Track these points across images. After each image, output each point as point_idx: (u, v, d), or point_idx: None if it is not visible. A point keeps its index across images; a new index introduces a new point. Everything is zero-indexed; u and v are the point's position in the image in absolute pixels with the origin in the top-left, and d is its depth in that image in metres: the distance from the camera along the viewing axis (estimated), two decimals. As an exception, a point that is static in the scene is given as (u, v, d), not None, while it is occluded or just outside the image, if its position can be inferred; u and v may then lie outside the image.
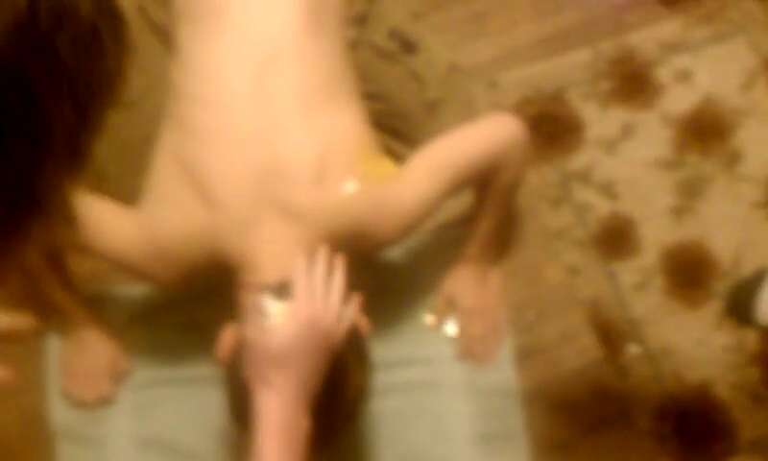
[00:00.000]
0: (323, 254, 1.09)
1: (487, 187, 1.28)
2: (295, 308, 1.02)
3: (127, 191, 1.22)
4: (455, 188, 1.20)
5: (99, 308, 1.32)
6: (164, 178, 1.15)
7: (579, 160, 1.51)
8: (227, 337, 1.06)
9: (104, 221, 1.14)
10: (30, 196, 0.49)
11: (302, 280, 1.04)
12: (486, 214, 1.31)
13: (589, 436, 1.32)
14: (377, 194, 1.14)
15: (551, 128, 1.52)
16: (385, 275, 1.37)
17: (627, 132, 1.54)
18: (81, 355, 1.28)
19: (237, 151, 1.12)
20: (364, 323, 1.09)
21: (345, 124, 1.18)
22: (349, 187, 1.13)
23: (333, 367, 1.02)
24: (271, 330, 0.99)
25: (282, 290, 1.03)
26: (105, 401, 1.28)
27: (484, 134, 1.24)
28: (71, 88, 0.49)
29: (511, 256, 1.43)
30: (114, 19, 0.53)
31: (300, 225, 1.10)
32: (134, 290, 1.33)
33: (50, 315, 1.29)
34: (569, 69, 1.57)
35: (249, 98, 1.14)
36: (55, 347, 1.31)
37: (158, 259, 1.12)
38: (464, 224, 1.37)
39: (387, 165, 1.19)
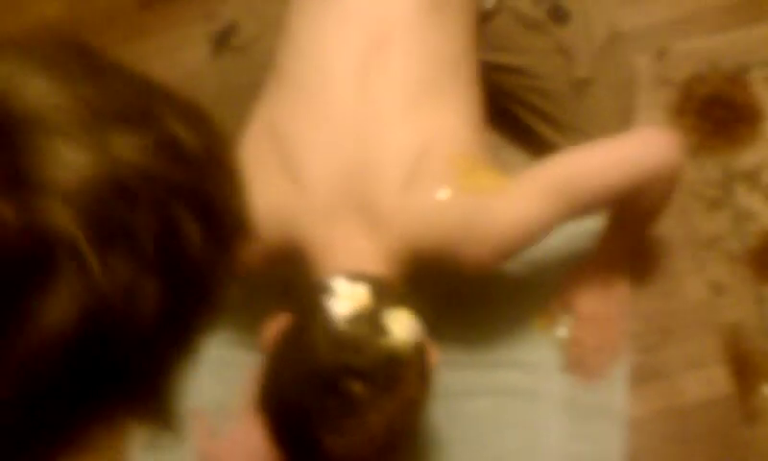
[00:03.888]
0: None
1: (622, 211, 1.19)
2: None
3: (231, 135, 1.22)
4: (575, 215, 1.10)
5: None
6: (255, 147, 1.15)
7: (749, 158, 1.36)
8: (275, 323, 1.06)
9: None
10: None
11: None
12: (620, 232, 1.22)
13: (697, 482, 1.27)
14: (473, 210, 1.07)
15: (723, 114, 1.38)
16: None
17: (816, 130, 1.38)
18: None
19: (330, 140, 1.10)
20: (434, 353, 1.05)
21: (451, 124, 1.11)
22: (441, 197, 1.07)
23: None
24: None
25: (355, 277, 1.02)
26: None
27: (628, 154, 1.11)
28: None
29: (646, 261, 1.34)
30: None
31: (381, 230, 1.07)
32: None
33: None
34: (757, 45, 1.40)
35: (350, 87, 1.10)
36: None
37: None
38: (599, 218, 1.28)
39: (493, 178, 1.11)
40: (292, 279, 1.27)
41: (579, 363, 1.29)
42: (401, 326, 0.98)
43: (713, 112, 1.38)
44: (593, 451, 1.26)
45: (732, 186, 1.36)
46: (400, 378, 0.96)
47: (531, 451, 1.26)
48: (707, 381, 1.30)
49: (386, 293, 1.01)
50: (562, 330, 1.31)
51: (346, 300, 0.98)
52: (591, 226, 1.29)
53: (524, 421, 1.27)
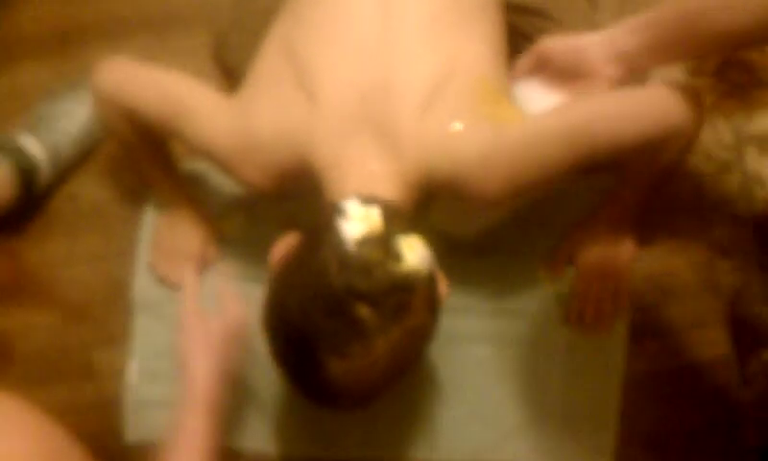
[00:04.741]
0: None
1: (635, 168, 1.19)
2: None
3: (245, 61, 1.22)
4: (586, 163, 1.08)
5: (198, 191, 1.36)
6: (271, 65, 1.15)
7: (762, 123, 1.37)
8: (284, 243, 1.05)
9: (198, 105, 1.15)
10: None
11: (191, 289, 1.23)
12: (631, 190, 1.23)
13: (688, 439, 1.28)
14: (489, 141, 1.06)
15: (739, 77, 1.38)
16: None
17: (831, 99, 1.38)
18: (171, 234, 1.33)
19: (349, 58, 1.09)
20: (444, 284, 1.04)
21: (474, 52, 1.11)
22: (459, 125, 1.07)
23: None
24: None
25: (369, 200, 1.01)
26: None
27: (645, 111, 1.09)
28: None
29: (653, 219, 1.35)
30: None
31: (395, 152, 1.07)
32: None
33: (148, 187, 1.35)
34: (780, 9, 1.40)
35: (373, 6, 1.10)
36: (150, 219, 1.36)
37: (249, 153, 1.12)
38: (609, 172, 1.28)
39: (512, 111, 1.11)
40: (298, 212, 1.29)
41: (580, 317, 1.30)
42: (413, 252, 0.97)
43: (730, 74, 1.38)
44: (589, 403, 1.28)
45: (744, 150, 1.37)
46: (409, 306, 0.95)
47: (528, 400, 1.28)
48: (705, 342, 1.32)
49: (399, 218, 1.00)
50: (565, 283, 1.32)
51: (358, 222, 0.97)
52: (600, 184, 1.31)
53: (524, 370, 1.29)
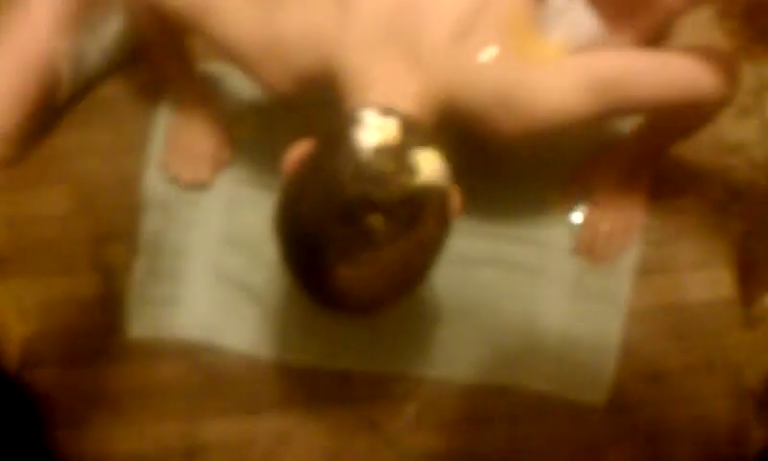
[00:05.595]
0: None
1: (662, 121, 1.18)
2: None
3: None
4: (612, 116, 1.08)
5: (215, 92, 1.35)
6: None
7: (785, 70, 1.37)
8: (299, 148, 1.04)
9: (226, 3, 1.13)
10: None
11: None
12: (656, 136, 1.22)
13: (688, 377, 1.30)
14: (514, 78, 1.05)
15: (766, 22, 1.38)
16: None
17: None
18: (186, 133, 1.33)
19: None
20: (457, 199, 1.03)
21: None
22: (488, 55, 1.05)
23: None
24: None
25: (387, 111, 1.00)
26: (199, 185, 1.33)
27: (676, 77, 1.06)
28: None
29: (671, 158, 1.35)
30: None
31: (421, 72, 1.05)
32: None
33: (165, 85, 1.34)
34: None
35: None
36: (164, 116, 1.36)
37: (273, 55, 1.10)
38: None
39: (542, 48, 1.09)
40: (314, 120, 1.28)
41: (589, 247, 1.31)
42: (428, 166, 0.96)
43: (758, 19, 1.37)
44: (591, 333, 1.29)
45: (764, 96, 1.37)
46: (421, 218, 0.95)
47: (529, 324, 1.29)
48: (711, 283, 1.33)
49: (416, 132, 1.00)
50: (576, 213, 1.33)
51: (375, 131, 0.96)
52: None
53: (527, 294, 1.30)
